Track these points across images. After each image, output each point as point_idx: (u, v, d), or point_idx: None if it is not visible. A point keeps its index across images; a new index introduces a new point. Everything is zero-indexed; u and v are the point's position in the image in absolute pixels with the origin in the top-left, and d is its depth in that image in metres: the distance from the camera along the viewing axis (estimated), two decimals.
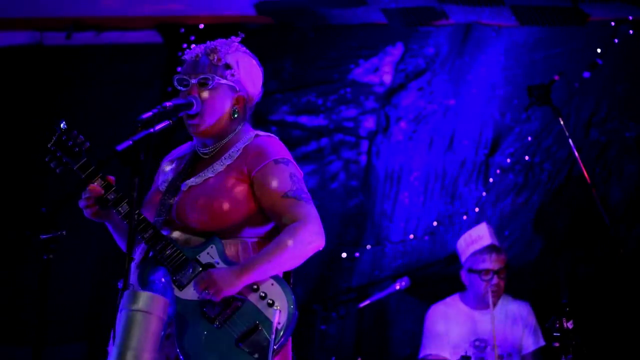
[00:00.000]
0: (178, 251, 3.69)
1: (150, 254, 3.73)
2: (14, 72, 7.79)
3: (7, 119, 7.71)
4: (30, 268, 7.15)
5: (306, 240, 3.70)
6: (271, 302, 3.65)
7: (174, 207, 3.80)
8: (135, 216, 3.66)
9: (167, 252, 3.69)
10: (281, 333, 3.61)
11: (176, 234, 3.79)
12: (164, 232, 3.77)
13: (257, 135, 3.90)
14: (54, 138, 3.83)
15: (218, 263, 3.69)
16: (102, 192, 3.78)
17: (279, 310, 3.63)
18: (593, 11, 6.81)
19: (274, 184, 3.77)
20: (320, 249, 3.77)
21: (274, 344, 3.57)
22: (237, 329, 3.61)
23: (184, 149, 4.09)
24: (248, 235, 3.80)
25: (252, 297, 3.66)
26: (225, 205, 3.73)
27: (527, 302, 6.40)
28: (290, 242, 3.67)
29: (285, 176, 3.79)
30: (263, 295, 3.66)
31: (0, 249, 7.49)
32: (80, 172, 3.80)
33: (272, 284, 3.69)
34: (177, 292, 3.66)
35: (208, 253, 3.71)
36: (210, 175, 3.81)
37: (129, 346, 3.24)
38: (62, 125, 3.86)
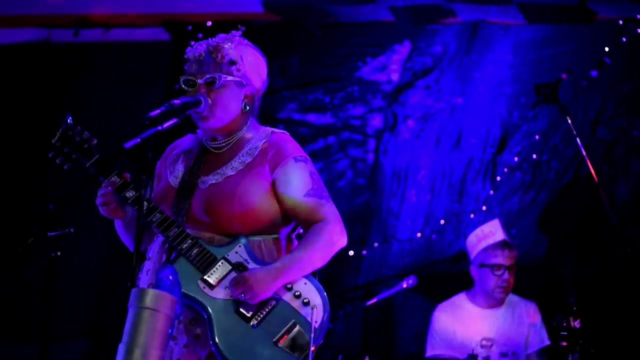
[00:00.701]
0: (206, 250, 3.68)
1: (174, 253, 3.71)
2: (22, 69, 7.79)
3: (14, 115, 7.71)
4: (35, 266, 7.16)
5: (332, 240, 3.76)
6: (306, 301, 3.67)
7: (194, 205, 3.77)
8: (158, 214, 3.68)
9: (195, 251, 3.67)
10: (319, 332, 3.64)
11: (198, 232, 3.75)
12: (187, 230, 3.74)
13: (272, 132, 3.91)
14: (58, 133, 3.79)
15: (248, 262, 3.69)
16: (121, 190, 3.75)
17: (315, 309, 3.64)
18: (601, 9, 6.81)
19: (295, 183, 3.79)
20: (344, 247, 3.82)
21: (313, 343, 3.58)
22: (274, 328, 3.62)
23: (188, 141, 4.04)
24: (269, 232, 3.80)
25: (287, 297, 3.67)
26: (250, 204, 3.73)
27: (533, 301, 6.39)
28: (318, 243, 3.72)
29: (305, 175, 3.82)
30: (297, 294, 3.68)
31: (5, 247, 7.50)
32: (94, 169, 3.77)
33: (305, 283, 3.72)
34: (208, 292, 3.64)
35: (237, 252, 3.70)
36: (230, 173, 3.79)
37: (137, 344, 3.24)
38: (68, 120, 3.83)
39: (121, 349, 3.27)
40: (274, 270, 3.64)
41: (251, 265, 3.68)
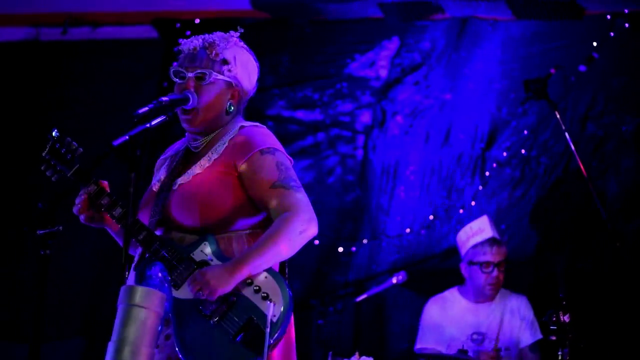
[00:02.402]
0: (173, 251, 3.66)
1: (147, 255, 3.70)
2: (11, 68, 7.78)
3: (3, 114, 7.70)
4: (27, 264, 7.16)
5: (298, 230, 3.65)
6: (265, 295, 3.60)
7: (166, 206, 3.76)
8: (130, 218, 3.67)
9: (162, 253, 3.66)
10: (277, 326, 3.58)
11: (170, 233, 3.75)
12: (159, 232, 3.74)
13: (242, 127, 3.86)
14: (48, 146, 3.80)
15: (212, 260, 3.65)
16: (93, 197, 3.76)
17: (274, 303, 3.58)
18: (589, 5, 6.81)
19: (261, 174, 3.73)
20: (314, 236, 3.73)
21: (270, 338, 3.54)
22: (233, 324, 3.58)
23: (177, 146, 4.05)
24: (241, 227, 3.76)
25: (247, 292, 3.61)
26: (214, 201, 3.70)
27: (524, 295, 6.40)
28: (281, 233, 3.63)
29: (272, 165, 3.75)
30: (257, 288, 3.61)
31: None
32: (74, 179, 3.78)
33: (266, 277, 3.64)
34: (174, 292, 3.63)
35: (202, 251, 3.67)
36: (197, 172, 3.78)
37: (127, 341, 3.24)
38: (54, 133, 3.83)
39: (111, 346, 3.27)
40: (232, 265, 3.58)
41: (214, 262, 3.65)
